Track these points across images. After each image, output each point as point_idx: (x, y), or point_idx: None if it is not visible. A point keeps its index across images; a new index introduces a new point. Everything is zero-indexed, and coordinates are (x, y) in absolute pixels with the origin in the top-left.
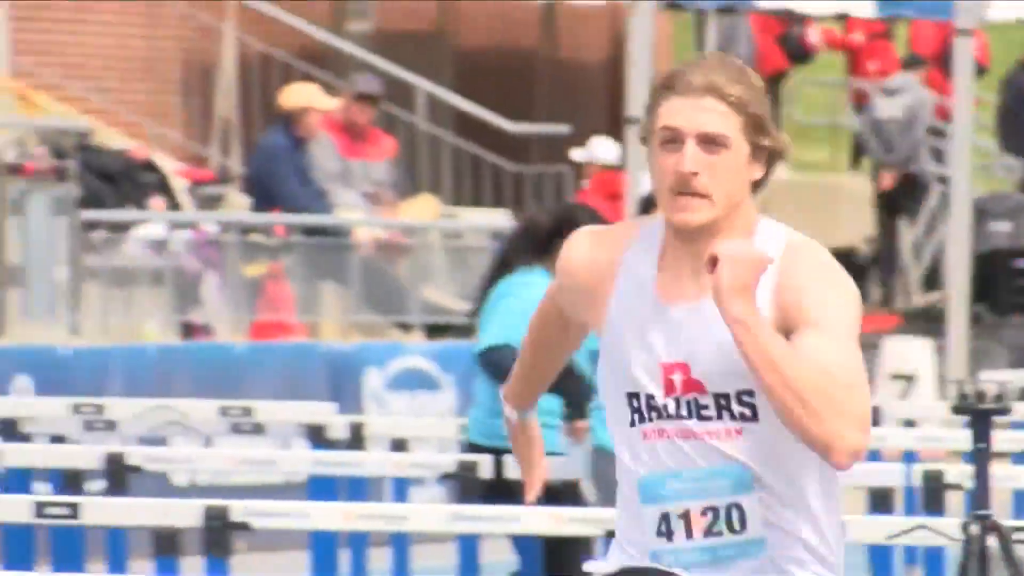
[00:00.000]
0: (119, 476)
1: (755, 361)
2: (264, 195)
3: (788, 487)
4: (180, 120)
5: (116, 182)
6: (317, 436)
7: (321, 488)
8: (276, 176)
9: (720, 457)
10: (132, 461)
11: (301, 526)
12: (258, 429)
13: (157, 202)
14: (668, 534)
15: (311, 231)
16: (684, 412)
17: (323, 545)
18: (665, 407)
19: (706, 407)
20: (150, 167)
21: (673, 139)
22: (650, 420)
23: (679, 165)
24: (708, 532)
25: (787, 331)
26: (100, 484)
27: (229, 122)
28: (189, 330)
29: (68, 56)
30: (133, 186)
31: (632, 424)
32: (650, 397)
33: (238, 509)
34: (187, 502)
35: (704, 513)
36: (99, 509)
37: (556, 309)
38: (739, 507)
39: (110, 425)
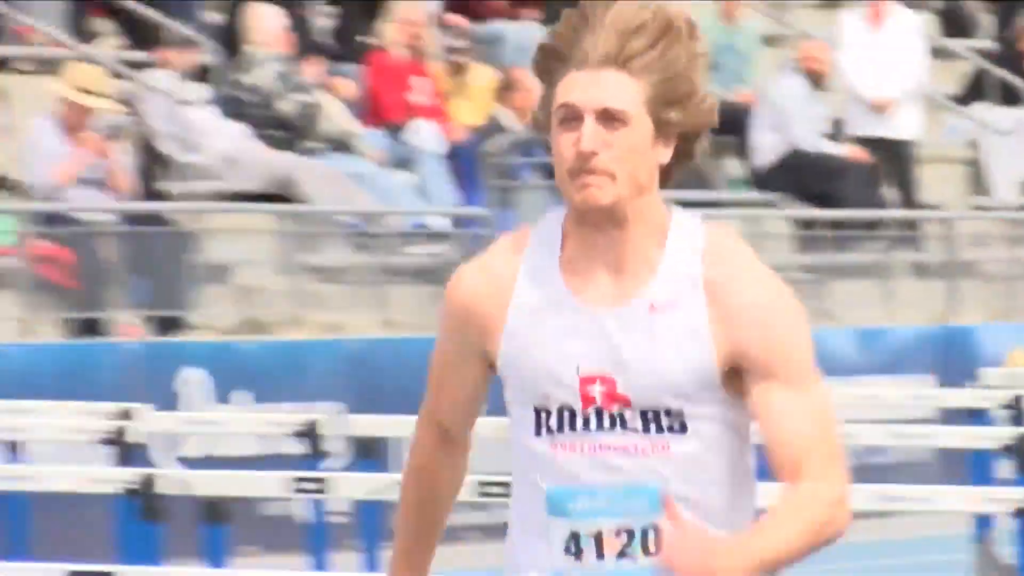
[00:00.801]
0: None
1: (776, 569)
2: None
3: (716, 502)
4: None
5: None
6: None
7: None
8: None
9: (640, 473)
10: None
11: None
12: None
13: None
14: (577, 553)
15: None
16: (606, 425)
17: None
18: (586, 421)
19: (631, 422)
20: None
21: (571, 116)
22: (561, 432)
23: (577, 144)
24: (621, 554)
25: (736, 354)
26: None
27: None
28: None
29: None
30: None
31: (538, 434)
32: (564, 410)
33: None
34: None
35: (618, 534)
36: None
37: (435, 429)
38: (657, 529)
39: None
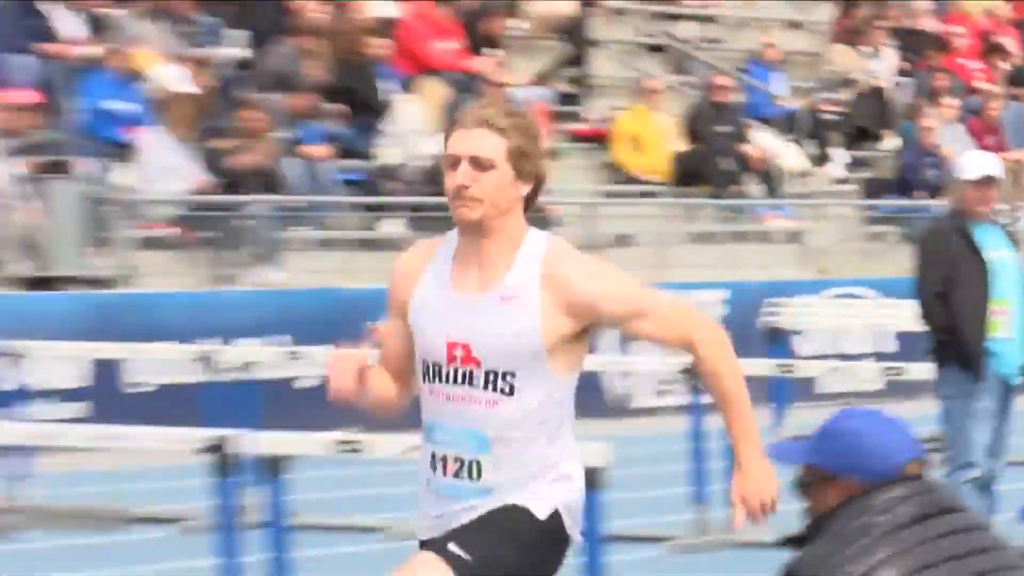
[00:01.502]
0: None
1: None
2: None
3: (531, 446)
4: None
5: None
6: None
7: None
8: None
9: (473, 421)
10: None
11: None
12: None
13: None
14: (435, 468)
15: None
16: (459, 379)
17: None
18: (448, 374)
19: (477, 379)
20: None
21: (454, 163)
22: (434, 382)
23: (454, 180)
24: (456, 475)
25: (570, 314)
26: None
27: None
28: None
29: None
30: None
31: (423, 381)
32: (436, 364)
33: None
34: None
35: (455, 461)
36: None
37: (394, 323)
38: (478, 463)
39: None
